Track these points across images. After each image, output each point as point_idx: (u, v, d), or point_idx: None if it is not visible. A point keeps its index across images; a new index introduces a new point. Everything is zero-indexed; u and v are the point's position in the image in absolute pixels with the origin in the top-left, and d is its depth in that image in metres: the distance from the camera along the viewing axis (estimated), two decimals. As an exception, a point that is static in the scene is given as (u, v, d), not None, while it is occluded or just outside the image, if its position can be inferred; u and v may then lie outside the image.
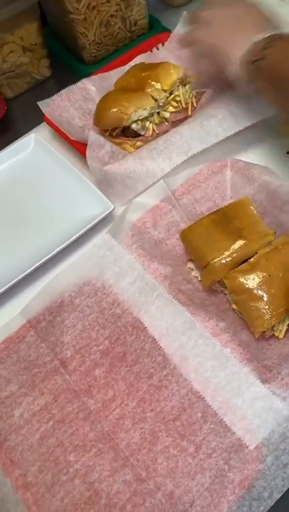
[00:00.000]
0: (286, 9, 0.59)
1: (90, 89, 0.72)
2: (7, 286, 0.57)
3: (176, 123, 0.69)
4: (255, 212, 0.56)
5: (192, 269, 0.58)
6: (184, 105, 0.68)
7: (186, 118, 0.69)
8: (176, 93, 0.68)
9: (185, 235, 0.57)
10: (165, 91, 0.66)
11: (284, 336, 0.52)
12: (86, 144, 0.64)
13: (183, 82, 0.68)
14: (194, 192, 0.61)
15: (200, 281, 0.57)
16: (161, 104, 0.67)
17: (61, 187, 0.66)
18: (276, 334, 0.52)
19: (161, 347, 0.51)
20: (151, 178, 0.62)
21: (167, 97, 0.67)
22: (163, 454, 0.46)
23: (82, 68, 0.78)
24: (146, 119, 0.66)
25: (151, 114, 0.67)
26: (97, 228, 0.63)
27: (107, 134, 0.67)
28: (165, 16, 0.82)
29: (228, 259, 0.53)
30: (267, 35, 0.54)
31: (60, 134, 0.69)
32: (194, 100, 0.70)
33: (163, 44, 0.77)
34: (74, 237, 0.60)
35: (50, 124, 0.70)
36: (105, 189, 0.64)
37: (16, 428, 0.49)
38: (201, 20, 0.61)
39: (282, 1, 0.64)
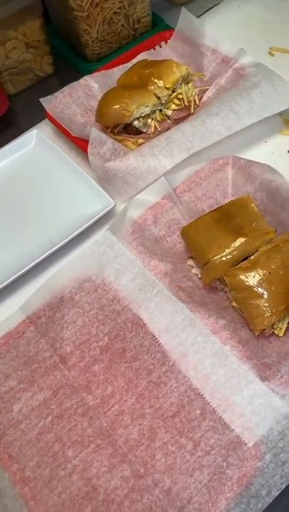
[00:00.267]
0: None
1: (93, 86, 0.72)
2: (7, 282, 0.57)
3: (178, 121, 0.69)
4: (256, 210, 0.55)
5: (192, 267, 0.58)
6: (186, 103, 0.68)
7: (188, 116, 0.69)
8: (179, 91, 0.68)
9: (185, 232, 0.57)
10: (168, 89, 0.66)
11: (284, 334, 0.52)
12: (88, 141, 0.64)
13: (185, 80, 0.68)
14: (195, 189, 0.61)
15: (200, 278, 0.57)
16: (163, 101, 0.67)
17: (62, 183, 0.66)
18: (276, 332, 0.52)
19: (160, 344, 0.51)
20: (152, 175, 0.62)
21: (170, 95, 0.67)
22: (161, 450, 0.46)
23: (85, 65, 0.78)
24: (148, 116, 0.66)
25: (154, 112, 0.67)
26: (97, 225, 0.62)
27: (109, 130, 0.67)
28: (168, 14, 0.82)
29: (228, 257, 0.53)
30: None
31: (61, 131, 0.69)
32: (197, 98, 0.70)
33: (166, 42, 0.77)
34: (74, 234, 0.60)
35: (52, 121, 0.70)
36: (106, 186, 0.64)
37: (14, 423, 0.49)
38: None
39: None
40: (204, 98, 0.71)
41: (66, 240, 0.59)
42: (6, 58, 0.74)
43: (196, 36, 0.73)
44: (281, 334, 0.52)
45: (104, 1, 0.72)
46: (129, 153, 0.63)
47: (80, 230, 0.60)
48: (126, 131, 0.67)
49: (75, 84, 0.71)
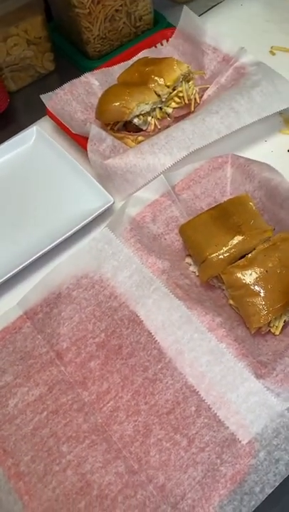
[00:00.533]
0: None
1: (93, 83, 0.72)
2: (5, 278, 0.57)
3: (178, 119, 0.69)
4: (254, 208, 0.55)
5: (190, 264, 0.58)
6: (186, 101, 0.69)
7: (188, 114, 0.69)
8: (179, 89, 0.68)
9: (183, 230, 0.57)
10: (168, 86, 0.66)
11: (280, 333, 0.52)
12: (87, 138, 0.65)
13: (186, 78, 0.68)
14: (194, 187, 0.61)
15: (197, 276, 0.57)
16: (163, 99, 0.67)
17: (62, 180, 0.66)
18: (272, 330, 0.52)
19: (156, 341, 0.51)
20: (151, 172, 0.62)
21: (170, 93, 0.67)
22: (156, 446, 0.46)
23: (86, 63, 0.79)
24: (148, 114, 0.66)
25: (154, 109, 0.67)
26: (96, 222, 0.63)
27: (109, 128, 0.67)
28: (170, 12, 0.82)
29: (226, 255, 0.53)
30: None
31: (62, 128, 0.69)
32: (197, 96, 0.70)
33: (167, 40, 0.77)
34: (73, 230, 0.60)
35: (53, 118, 0.70)
36: (106, 183, 0.64)
37: (9, 418, 0.49)
38: None
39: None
40: (205, 96, 0.71)
41: (64, 236, 0.60)
42: (7, 55, 0.74)
43: (197, 34, 0.73)
44: (277, 332, 0.52)
45: (106, -1, 0.72)
46: (128, 151, 0.63)
47: (79, 226, 0.60)
48: (126, 128, 0.67)
49: (75, 81, 0.71)
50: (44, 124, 0.73)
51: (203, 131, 0.63)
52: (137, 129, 0.67)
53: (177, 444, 0.46)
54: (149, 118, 0.67)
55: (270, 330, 0.52)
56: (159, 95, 0.66)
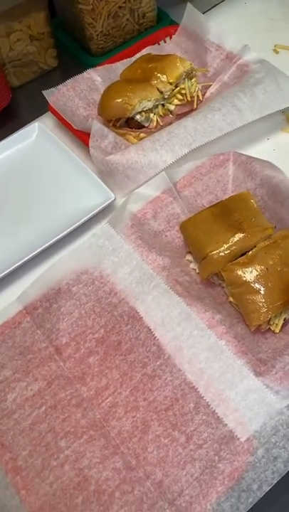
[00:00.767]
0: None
1: (96, 79, 0.72)
2: (5, 272, 0.57)
3: (180, 116, 0.69)
4: (255, 205, 0.55)
5: (190, 262, 0.58)
6: (189, 98, 0.68)
7: (190, 111, 0.69)
8: (182, 86, 0.68)
9: (184, 227, 0.56)
10: (171, 83, 0.66)
11: (280, 331, 0.52)
12: (89, 134, 0.64)
13: (189, 75, 0.68)
14: (196, 185, 0.61)
15: (198, 273, 0.57)
16: (166, 96, 0.67)
17: (63, 176, 0.66)
18: (272, 328, 0.52)
19: (156, 337, 0.51)
20: (153, 169, 0.62)
21: (173, 90, 0.67)
22: (154, 443, 0.46)
23: (89, 59, 0.78)
24: (150, 110, 0.66)
25: (156, 106, 0.67)
26: (97, 218, 0.62)
27: (111, 124, 0.67)
28: (174, 10, 0.82)
29: (226, 252, 0.53)
30: None
31: (64, 123, 0.69)
32: (200, 94, 0.70)
33: (170, 37, 0.77)
34: (74, 226, 0.60)
35: (55, 113, 0.70)
36: (107, 179, 0.64)
37: (8, 412, 0.49)
38: None
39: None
40: (207, 94, 0.71)
41: (65, 232, 0.59)
42: (10, 50, 0.74)
43: (200, 32, 0.73)
44: (277, 330, 0.51)
45: (109, -5, 0.72)
46: (130, 147, 0.63)
47: (80, 222, 0.60)
48: (128, 125, 0.67)
49: (78, 77, 0.71)
50: (46, 120, 0.73)
51: (206, 129, 0.63)
52: (139, 126, 0.67)
53: (175, 440, 0.46)
54: (152, 115, 0.67)
55: (269, 328, 0.52)
56: (161, 92, 0.66)
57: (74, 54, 0.81)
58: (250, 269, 0.51)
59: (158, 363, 0.50)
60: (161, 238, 0.59)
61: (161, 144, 0.62)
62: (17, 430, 0.48)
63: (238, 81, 0.69)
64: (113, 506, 0.43)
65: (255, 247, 0.53)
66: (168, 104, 0.68)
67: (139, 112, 0.65)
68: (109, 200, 0.62)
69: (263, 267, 0.51)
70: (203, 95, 0.71)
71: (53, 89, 0.70)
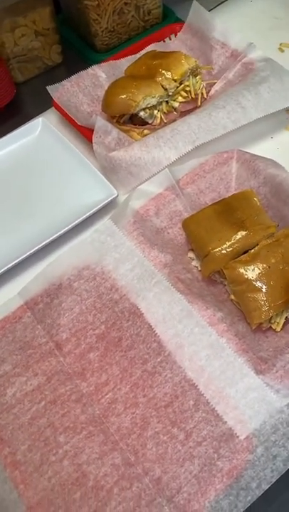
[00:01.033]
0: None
1: (100, 75, 0.72)
2: (7, 267, 0.57)
3: (184, 113, 0.68)
4: (258, 203, 0.55)
5: (192, 259, 0.58)
6: (193, 96, 0.68)
7: (195, 109, 0.69)
8: (187, 83, 0.68)
9: (187, 224, 0.56)
10: (175, 80, 0.66)
11: (281, 329, 0.51)
12: (93, 130, 0.64)
13: (194, 72, 0.68)
14: (199, 182, 0.61)
15: (200, 270, 0.56)
16: (170, 93, 0.67)
17: (66, 171, 0.66)
18: (273, 327, 0.51)
19: (156, 334, 0.51)
20: (156, 166, 0.62)
21: (177, 87, 0.67)
22: (153, 439, 0.46)
23: (94, 56, 0.78)
24: (154, 107, 0.66)
25: (160, 103, 0.67)
26: (99, 214, 0.62)
27: (115, 120, 0.67)
28: (179, 7, 0.82)
29: (228, 250, 0.52)
30: None
31: (67, 119, 0.69)
32: (204, 91, 0.70)
33: (176, 34, 0.77)
34: (76, 222, 0.60)
35: (58, 109, 0.69)
36: (110, 175, 0.64)
37: (7, 407, 0.49)
38: None
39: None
40: (212, 92, 0.71)
41: (67, 227, 0.59)
42: (15, 45, 0.74)
43: (206, 29, 0.73)
44: (278, 329, 0.51)
45: (115, -9, 0.72)
46: (133, 144, 0.63)
47: (82, 218, 0.60)
48: (132, 121, 0.67)
49: (82, 73, 0.71)
50: (50, 115, 0.72)
51: (209, 126, 0.63)
52: (143, 123, 0.67)
53: (174, 437, 0.46)
54: (156, 112, 0.67)
55: (271, 326, 0.52)
56: (166, 89, 0.66)
57: (79, 50, 0.81)
58: (252, 267, 0.51)
59: (158, 359, 0.49)
60: (164, 235, 0.59)
61: (165, 140, 0.62)
62: (16, 425, 0.48)
63: (242, 79, 0.69)
64: (111, 502, 0.43)
65: (257, 245, 0.52)
66: (172, 101, 0.68)
67: (143, 109, 0.65)
68: (112, 197, 0.61)
69: (265, 265, 0.51)
70: (208, 93, 0.70)
71: (57, 84, 0.70)
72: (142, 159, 0.62)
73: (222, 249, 0.53)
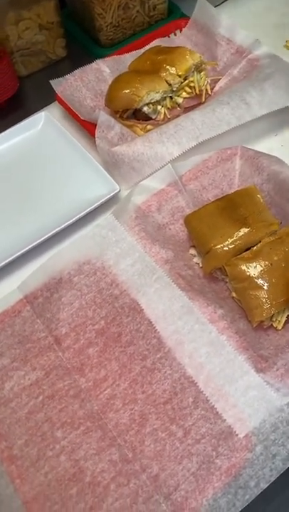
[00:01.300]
0: None
1: (104, 70, 0.71)
2: (8, 261, 0.57)
3: (188, 109, 0.68)
4: (261, 200, 0.55)
5: (194, 256, 0.57)
6: (197, 92, 0.68)
7: (199, 104, 0.68)
8: (191, 79, 0.67)
9: (189, 220, 0.56)
10: (180, 76, 0.66)
11: (282, 327, 0.51)
12: (96, 125, 0.64)
13: (198, 68, 0.68)
14: (202, 178, 0.61)
15: (201, 267, 0.56)
16: (174, 88, 0.66)
17: (68, 166, 0.65)
18: (274, 325, 0.51)
19: (156, 330, 0.50)
20: (159, 161, 0.61)
21: (181, 82, 0.66)
22: (151, 436, 0.45)
23: (98, 51, 0.78)
24: (158, 102, 0.66)
25: (164, 99, 0.66)
26: (101, 209, 0.62)
27: (118, 115, 0.67)
28: (185, 3, 0.81)
29: (230, 246, 0.52)
30: None
31: (70, 113, 0.68)
32: (209, 87, 0.69)
33: (181, 30, 0.76)
34: (77, 217, 0.59)
35: (62, 103, 0.69)
36: (112, 171, 0.63)
37: (5, 401, 0.49)
38: None
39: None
40: (216, 88, 0.70)
41: (68, 222, 0.59)
42: (19, 39, 0.73)
43: (211, 25, 0.72)
44: (280, 327, 0.51)
45: (120, -14, 0.71)
46: (136, 139, 0.63)
47: (83, 213, 0.60)
48: (135, 116, 0.66)
49: (86, 67, 0.71)
50: (53, 110, 0.72)
51: (213, 122, 0.62)
52: (147, 118, 0.66)
53: (173, 434, 0.45)
54: (159, 107, 0.66)
55: (272, 324, 0.51)
56: (170, 84, 0.65)
57: (83, 45, 0.80)
58: (254, 264, 0.50)
59: (158, 356, 0.49)
60: (165, 231, 0.58)
61: (168, 136, 0.62)
62: (13, 419, 0.48)
63: (247, 75, 0.68)
64: (108, 498, 0.43)
65: (260, 242, 0.52)
66: (176, 97, 0.67)
67: (147, 104, 0.65)
68: (114, 192, 0.61)
69: (267, 262, 0.50)
70: (212, 89, 0.70)
71: (60, 79, 0.70)
72: (145, 154, 0.61)
73: (224, 246, 0.52)
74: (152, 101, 0.65)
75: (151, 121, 0.66)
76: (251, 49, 0.69)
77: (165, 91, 0.65)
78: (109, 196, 0.61)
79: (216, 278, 0.55)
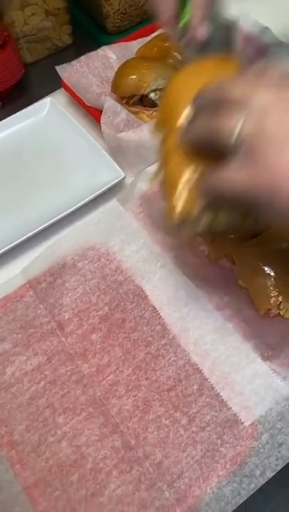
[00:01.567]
0: None
1: (110, 57, 0.70)
2: (11, 245, 0.56)
3: (195, 97, 0.67)
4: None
5: (200, 243, 0.56)
6: (205, 79, 0.67)
7: (206, 92, 0.67)
8: (199, 66, 0.66)
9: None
10: (187, 63, 0.65)
11: (290, 316, 0.50)
12: (102, 111, 0.63)
13: (206, 55, 0.67)
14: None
15: (207, 255, 0.55)
16: (182, 76, 0.65)
17: (73, 152, 0.64)
18: (282, 313, 0.50)
19: (161, 316, 0.49)
20: (165, 148, 0.60)
21: (189, 69, 0.65)
22: (154, 423, 0.44)
23: (105, 38, 0.77)
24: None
25: (171, 85, 0.65)
26: (106, 196, 0.61)
27: (124, 102, 0.66)
28: (193, -9, 0.80)
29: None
30: None
31: (76, 100, 0.68)
32: (216, 75, 0.68)
33: (189, 18, 0.75)
34: (82, 203, 0.59)
35: (67, 89, 0.68)
36: (118, 157, 0.62)
37: (6, 386, 0.48)
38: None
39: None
40: (224, 76, 0.69)
41: (73, 208, 0.58)
42: (25, 24, 0.72)
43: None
44: (287, 315, 0.49)
45: (128, -28, 0.70)
46: (142, 125, 0.62)
47: (88, 199, 0.59)
48: (142, 103, 0.65)
49: (92, 54, 0.70)
50: (58, 96, 0.71)
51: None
52: (153, 105, 0.65)
53: (177, 421, 0.44)
54: (166, 94, 0.65)
55: (279, 312, 0.50)
56: (177, 71, 0.64)
57: (89, 32, 0.80)
58: (261, 251, 0.49)
59: (162, 342, 0.48)
60: (171, 218, 0.57)
61: (175, 122, 0.61)
62: (14, 404, 0.47)
63: (256, 64, 0.67)
64: (110, 485, 0.42)
65: (267, 228, 0.51)
66: (183, 84, 0.66)
67: (154, 90, 0.64)
68: (119, 178, 0.60)
69: (274, 249, 0.49)
70: (220, 77, 0.69)
71: (66, 65, 0.69)
72: (151, 141, 0.60)
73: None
74: (159, 87, 0.64)
75: (157, 108, 0.65)
76: (260, 37, 0.68)
77: (172, 78, 0.64)
78: (114, 183, 0.60)
79: (222, 266, 0.54)
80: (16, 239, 0.56)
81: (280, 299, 0.48)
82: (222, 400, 0.45)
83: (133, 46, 0.71)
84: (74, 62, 0.69)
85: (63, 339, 0.50)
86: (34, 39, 0.75)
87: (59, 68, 0.69)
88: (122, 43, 0.72)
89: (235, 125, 0.32)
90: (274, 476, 0.41)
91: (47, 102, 0.69)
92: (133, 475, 0.42)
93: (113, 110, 0.63)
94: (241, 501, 0.40)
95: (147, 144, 0.60)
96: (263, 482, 0.41)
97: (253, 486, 0.41)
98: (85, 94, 0.67)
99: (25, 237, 0.56)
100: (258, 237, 0.51)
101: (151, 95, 0.64)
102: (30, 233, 0.56)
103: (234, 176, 0.33)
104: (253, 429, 0.43)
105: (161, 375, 0.47)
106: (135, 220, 0.55)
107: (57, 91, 0.72)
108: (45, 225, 0.57)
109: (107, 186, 0.60)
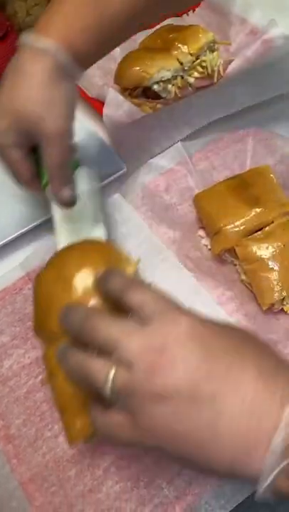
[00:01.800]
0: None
1: (114, 48, 0.69)
2: (10, 238, 0.55)
3: (200, 89, 0.66)
4: (274, 180, 0.53)
5: (203, 237, 0.55)
6: (209, 71, 0.66)
7: (211, 85, 0.66)
8: (203, 58, 0.65)
9: (198, 199, 0.54)
10: (192, 55, 0.64)
11: (293, 312, 0.49)
12: (104, 103, 0.62)
13: (211, 48, 0.66)
14: (213, 159, 0.59)
15: (209, 249, 0.54)
16: (186, 67, 0.64)
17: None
18: (285, 309, 0.49)
19: (162, 310, 0.48)
20: (168, 140, 0.59)
21: (193, 61, 0.64)
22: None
23: (108, 30, 0.76)
24: (169, 81, 0.64)
25: (175, 77, 0.64)
26: (108, 188, 0.60)
27: (127, 93, 0.65)
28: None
29: (241, 227, 0.50)
30: None
31: (78, 91, 0.66)
32: (221, 68, 0.67)
33: (194, 10, 0.74)
34: (83, 195, 0.58)
35: (70, 80, 0.67)
36: (120, 149, 0.61)
37: (3, 379, 0.47)
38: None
39: None
40: (229, 69, 0.68)
41: (73, 200, 0.57)
42: (27, 15, 0.71)
43: (225, 4, 0.70)
44: (291, 311, 0.49)
45: None
46: (145, 117, 0.61)
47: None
48: (145, 95, 0.64)
49: (95, 45, 0.69)
50: (60, 88, 0.70)
51: (226, 102, 0.60)
52: (157, 97, 0.64)
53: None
54: (170, 86, 0.64)
55: (282, 308, 0.49)
56: (181, 63, 0.63)
57: (93, 24, 0.78)
58: (265, 245, 0.48)
59: (163, 336, 0.47)
60: (173, 212, 0.57)
61: (179, 114, 0.60)
62: (12, 398, 0.46)
63: (261, 57, 0.66)
64: (107, 481, 0.41)
65: (272, 223, 0.50)
66: (187, 77, 0.65)
67: (157, 82, 0.63)
68: (121, 171, 0.59)
69: (279, 243, 0.48)
70: (225, 71, 0.68)
71: (69, 55, 0.68)
72: (154, 133, 0.59)
73: (234, 227, 0.50)
74: (163, 79, 0.63)
75: (161, 101, 0.64)
76: (266, 29, 0.67)
77: (176, 69, 0.63)
78: (116, 175, 0.59)
79: (224, 260, 0.53)
80: (15, 231, 0.55)
81: (284, 294, 0.47)
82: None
83: (137, 37, 0.70)
84: (77, 54, 0.68)
85: (62, 332, 0.49)
86: (37, 30, 0.74)
87: (62, 59, 0.68)
88: (125, 34, 0.71)
89: (108, 376, 0.29)
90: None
91: (49, 93, 0.68)
92: (132, 471, 0.41)
93: (116, 102, 0.62)
94: (241, 499, 0.39)
95: (150, 136, 0.59)
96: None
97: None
98: (88, 85, 0.66)
99: (24, 229, 0.55)
100: (262, 231, 0.50)
101: (155, 87, 0.63)
102: (30, 226, 0.55)
103: (120, 423, 0.30)
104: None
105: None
106: (137, 214, 0.54)
107: (59, 83, 0.71)
108: (45, 217, 0.56)
109: (109, 179, 0.59)
